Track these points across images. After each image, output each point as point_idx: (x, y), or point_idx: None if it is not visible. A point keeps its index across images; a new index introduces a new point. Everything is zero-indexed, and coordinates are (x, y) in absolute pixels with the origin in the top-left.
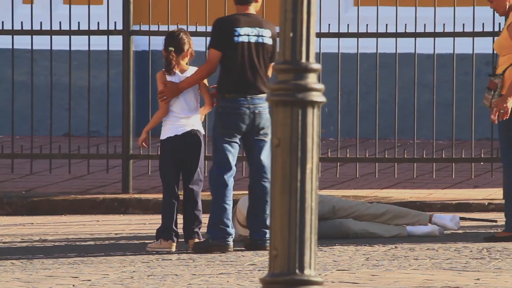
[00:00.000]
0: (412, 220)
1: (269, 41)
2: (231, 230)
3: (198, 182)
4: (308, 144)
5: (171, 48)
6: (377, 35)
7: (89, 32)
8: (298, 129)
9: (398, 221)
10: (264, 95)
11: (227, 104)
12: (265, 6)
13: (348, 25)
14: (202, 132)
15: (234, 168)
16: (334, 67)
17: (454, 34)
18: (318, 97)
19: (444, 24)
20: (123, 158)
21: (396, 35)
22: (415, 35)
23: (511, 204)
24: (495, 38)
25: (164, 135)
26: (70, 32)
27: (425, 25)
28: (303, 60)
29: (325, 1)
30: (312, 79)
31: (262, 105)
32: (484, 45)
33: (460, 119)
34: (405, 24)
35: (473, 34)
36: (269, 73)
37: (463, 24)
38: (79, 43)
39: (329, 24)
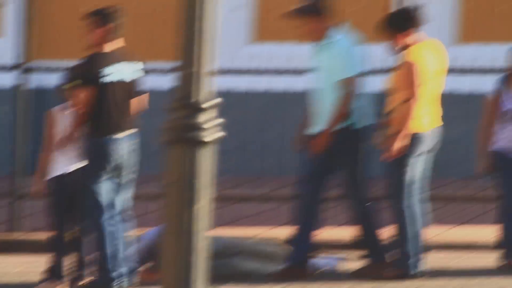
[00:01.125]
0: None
1: (134, 76)
2: (124, 270)
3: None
4: (201, 182)
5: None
6: (272, 72)
7: None
8: (191, 167)
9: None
10: (131, 132)
11: (98, 144)
12: (158, 41)
13: (244, 62)
14: None
15: (116, 207)
16: (229, 105)
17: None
18: (212, 135)
19: None
20: (11, 197)
21: (289, 72)
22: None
23: (403, 242)
24: (388, 76)
25: (53, 173)
26: None
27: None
28: (198, 98)
29: (222, 37)
30: (206, 117)
31: (132, 143)
32: (376, 83)
33: None
34: (299, 62)
35: (367, 73)
36: (143, 105)
37: None
38: None
39: (224, 62)
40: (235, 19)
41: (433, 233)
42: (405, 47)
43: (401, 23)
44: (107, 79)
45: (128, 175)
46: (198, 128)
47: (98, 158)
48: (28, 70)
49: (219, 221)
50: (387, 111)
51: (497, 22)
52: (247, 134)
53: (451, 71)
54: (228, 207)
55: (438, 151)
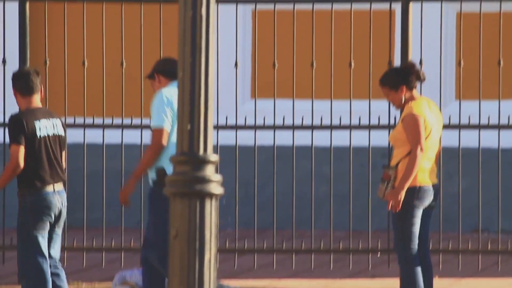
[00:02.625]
0: None
1: (62, 132)
2: None
3: None
4: (206, 235)
5: None
6: (274, 127)
7: None
8: (196, 220)
9: None
10: (62, 185)
11: (36, 198)
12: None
13: (245, 117)
14: None
15: (49, 260)
16: (232, 159)
17: (350, 127)
18: (216, 188)
19: (340, 117)
20: None
21: (293, 127)
22: (312, 128)
23: None
24: (391, 130)
25: None
26: None
27: (321, 117)
28: (201, 152)
29: (222, 93)
30: (209, 171)
31: (65, 196)
32: (380, 138)
33: (357, 210)
34: (302, 117)
35: (369, 127)
36: (64, 163)
37: (359, 117)
38: None
39: (226, 116)
40: (233, 76)
41: (442, 285)
42: (405, 102)
43: (398, 80)
44: (37, 136)
45: (55, 228)
46: (204, 180)
47: (34, 213)
48: None
49: (225, 273)
50: (392, 164)
51: (489, 81)
52: (250, 187)
53: (448, 126)
54: (232, 260)
55: (444, 204)
